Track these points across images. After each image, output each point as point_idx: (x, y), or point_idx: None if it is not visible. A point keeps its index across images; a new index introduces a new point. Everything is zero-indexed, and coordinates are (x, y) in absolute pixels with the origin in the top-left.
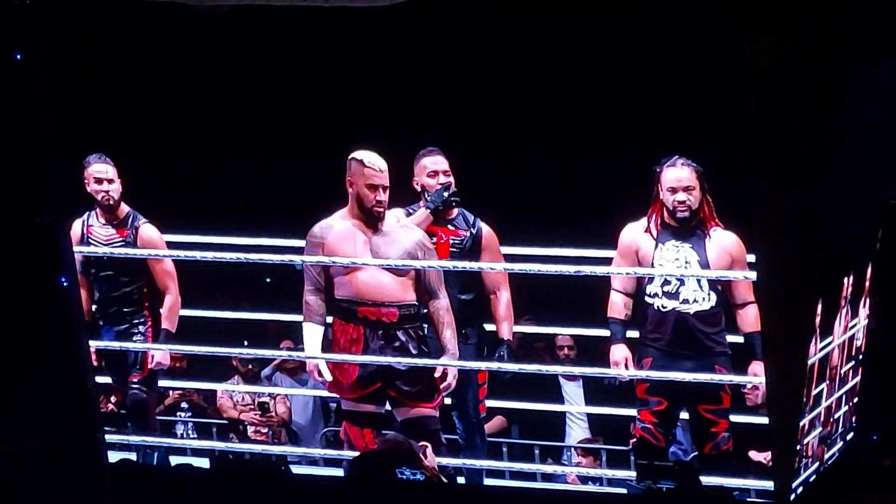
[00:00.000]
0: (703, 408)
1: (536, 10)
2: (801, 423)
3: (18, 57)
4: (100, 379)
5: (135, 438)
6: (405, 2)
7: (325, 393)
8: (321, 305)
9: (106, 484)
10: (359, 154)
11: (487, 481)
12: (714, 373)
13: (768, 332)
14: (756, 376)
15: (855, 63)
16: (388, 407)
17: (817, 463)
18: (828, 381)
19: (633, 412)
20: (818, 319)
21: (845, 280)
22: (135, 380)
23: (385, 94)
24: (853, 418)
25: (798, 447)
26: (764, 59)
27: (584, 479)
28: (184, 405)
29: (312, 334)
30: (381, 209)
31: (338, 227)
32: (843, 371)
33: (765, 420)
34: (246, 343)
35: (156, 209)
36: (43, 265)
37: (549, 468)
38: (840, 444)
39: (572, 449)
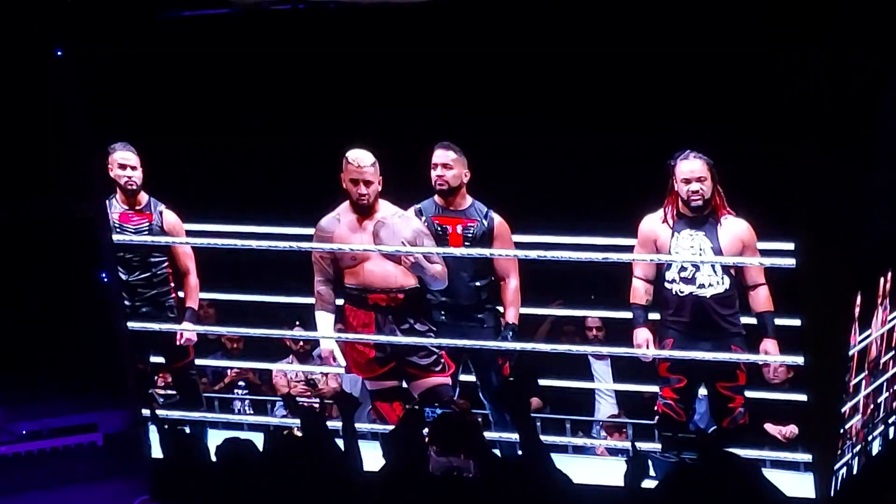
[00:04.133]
0: (720, 385)
1: (562, 9)
2: (843, 410)
3: (59, 53)
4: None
5: (195, 414)
6: None
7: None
8: (332, 294)
9: (147, 479)
10: (348, 152)
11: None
12: (730, 352)
13: (809, 323)
14: (768, 354)
15: (893, 61)
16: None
17: (860, 445)
18: (866, 372)
19: (656, 389)
20: (857, 311)
21: (884, 276)
22: (182, 364)
23: (415, 90)
24: (894, 403)
25: (840, 431)
26: (802, 59)
27: (612, 451)
28: (241, 383)
29: (325, 321)
30: (365, 202)
31: (344, 220)
32: (882, 360)
33: (780, 396)
34: (298, 323)
35: (180, 198)
36: (83, 261)
37: (579, 441)
38: (881, 428)
39: (599, 428)
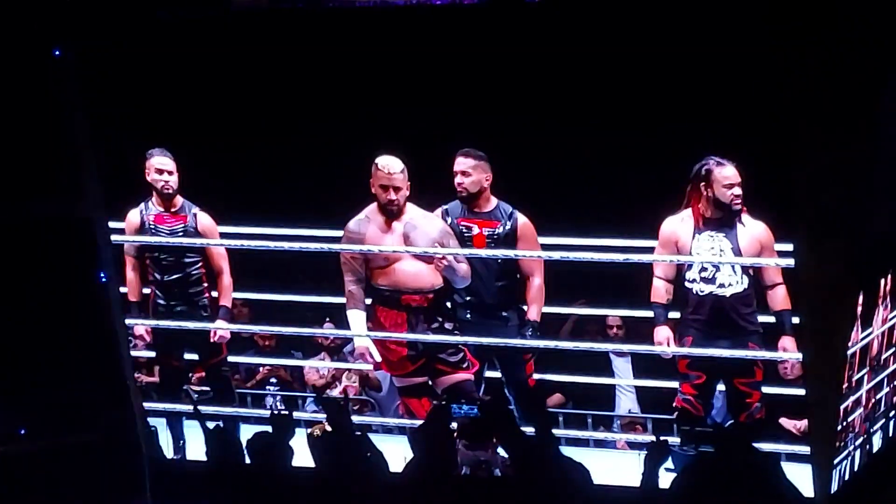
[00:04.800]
0: (738, 381)
1: (579, 10)
2: (844, 405)
3: (57, 53)
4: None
5: (227, 409)
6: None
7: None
8: (363, 293)
9: (144, 479)
10: (378, 158)
11: None
12: (748, 349)
13: (809, 321)
14: (786, 351)
15: (893, 61)
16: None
17: (862, 437)
18: (868, 369)
19: (675, 385)
20: (860, 310)
21: (885, 278)
22: (216, 361)
23: (426, 93)
24: (895, 398)
25: (840, 426)
26: (804, 59)
27: (632, 445)
28: (272, 380)
29: (358, 319)
30: (394, 207)
31: (374, 222)
32: (883, 357)
33: (795, 391)
34: (328, 319)
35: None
36: (82, 261)
37: (600, 435)
38: (882, 421)
39: (619, 422)
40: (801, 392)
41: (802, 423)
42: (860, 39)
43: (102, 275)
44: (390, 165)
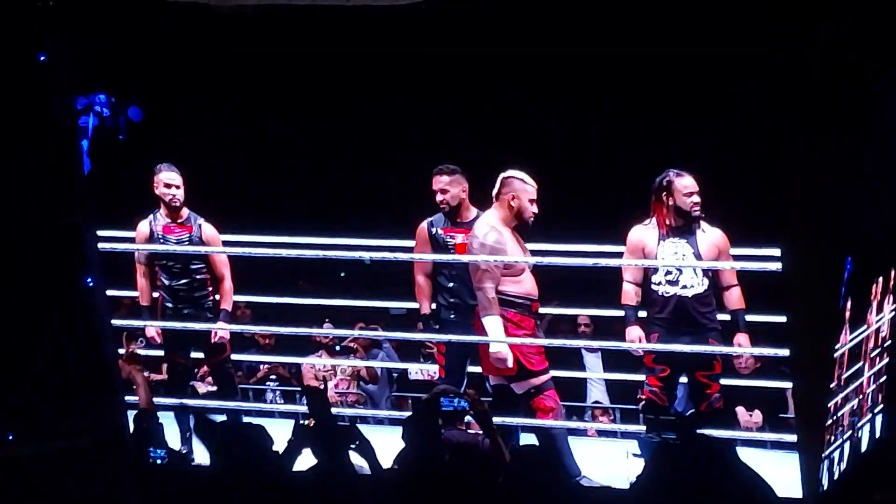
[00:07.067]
0: (699, 374)
1: (546, 12)
2: (833, 402)
3: (42, 58)
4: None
5: (230, 404)
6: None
7: (392, 364)
8: (497, 300)
9: (133, 484)
10: (516, 173)
11: (523, 436)
12: (708, 345)
13: (797, 325)
14: (741, 346)
15: (886, 62)
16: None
17: (849, 432)
18: (863, 360)
19: (641, 378)
20: (848, 314)
21: (876, 283)
22: (219, 359)
23: (405, 95)
24: (880, 396)
25: (827, 423)
26: (795, 59)
27: (602, 433)
28: (272, 377)
29: (497, 324)
30: (533, 220)
31: (505, 233)
32: (871, 355)
33: (751, 383)
34: (327, 320)
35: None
36: (69, 266)
37: (573, 424)
38: (868, 416)
39: (590, 411)
40: (756, 384)
41: (753, 417)
42: (854, 42)
43: (89, 280)
44: (531, 180)
